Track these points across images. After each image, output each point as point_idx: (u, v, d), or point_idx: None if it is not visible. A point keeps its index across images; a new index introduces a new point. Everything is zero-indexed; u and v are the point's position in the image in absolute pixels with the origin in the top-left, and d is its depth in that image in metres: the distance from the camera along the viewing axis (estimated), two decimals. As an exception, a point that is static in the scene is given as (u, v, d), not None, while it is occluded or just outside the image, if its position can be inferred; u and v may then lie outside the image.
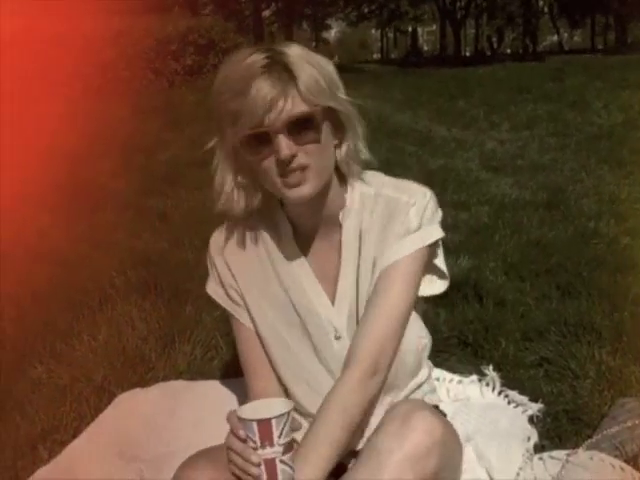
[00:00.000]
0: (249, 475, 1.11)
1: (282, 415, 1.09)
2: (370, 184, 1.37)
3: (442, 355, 2.19)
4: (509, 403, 1.85)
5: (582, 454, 1.56)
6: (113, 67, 10.44)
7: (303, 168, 1.21)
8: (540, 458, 1.61)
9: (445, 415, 1.43)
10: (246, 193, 1.30)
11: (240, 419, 1.11)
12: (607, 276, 2.76)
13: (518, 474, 1.53)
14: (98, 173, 5.09)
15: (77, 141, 5.70)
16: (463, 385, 1.93)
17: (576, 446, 1.64)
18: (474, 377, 1.96)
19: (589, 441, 1.64)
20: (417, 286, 1.35)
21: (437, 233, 1.35)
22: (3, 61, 8.23)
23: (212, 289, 1.44)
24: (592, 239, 3.28)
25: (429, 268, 1.39)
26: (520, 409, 1.82)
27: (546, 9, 35.61)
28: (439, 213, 1.37)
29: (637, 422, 1.62)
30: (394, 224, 1.33)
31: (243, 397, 1.42)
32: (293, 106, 1.18)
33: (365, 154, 1.33)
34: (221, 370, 2.23)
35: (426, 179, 2.41)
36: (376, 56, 55.87)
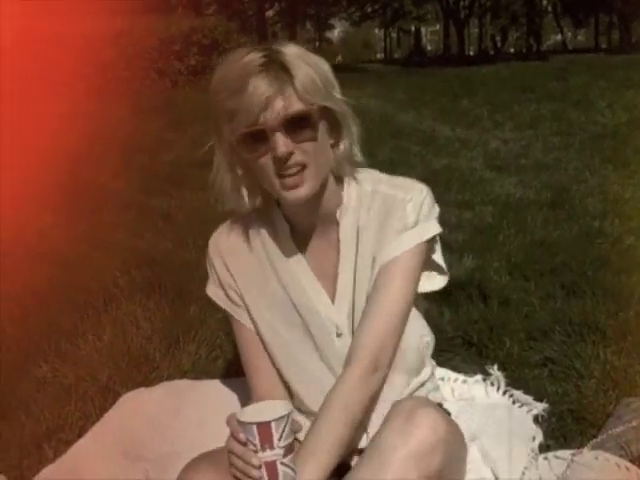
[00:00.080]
0: (250, 478, 1.11)
1: (282, 418, 1.09)
2: (366, 181, 1.37)
3: (446, 355, 2.19)
4: (514, 403, 1.85)
5: (587, 454, 1.56)
6: (114, 67, 10.47)
7: (301, 167, 1.22)
8: (545, 458, 1.61)
9: (449, 414, 1.43)
10: (246, 191, 1.31)
11: (240, 422, 1.11)
12: (612, 275, 2.75)
13: (523, 474, 1.53)
14: (99, 173, 5.09)
15: (78, 141, 5.70)
16: (468, 385, 1.93)
17: (581, 446, 1.64)
18: (479, 377, 1.96)
19: (594, 441, 1.63)
20: (417, 282, 1.36)
21: (434, 229, 1.36)
22: (4, 61, 8.25)
23: (212, 291, 1.44)
24: (596, 238, 3.27)
25: (428, 264, 1.40)
26: (525, 409, 1.82)
27: (550, 8, 35.55)
28: (436, 209, 1.37)
29: (642, 422, 1.62)
30: (391, 221, 1.34)
31: (247, 396, 1.42)
32: (290, 104, 1.19)
33: (358, 156, 1.34)
34: (225, 369, 2.23)
35: (430, 179, 2.40)
36: (379, 56, 55.91)
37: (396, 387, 1.36)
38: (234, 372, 2.07)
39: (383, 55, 52.62)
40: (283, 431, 1.09)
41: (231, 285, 1.40)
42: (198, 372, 2.22)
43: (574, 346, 2.20)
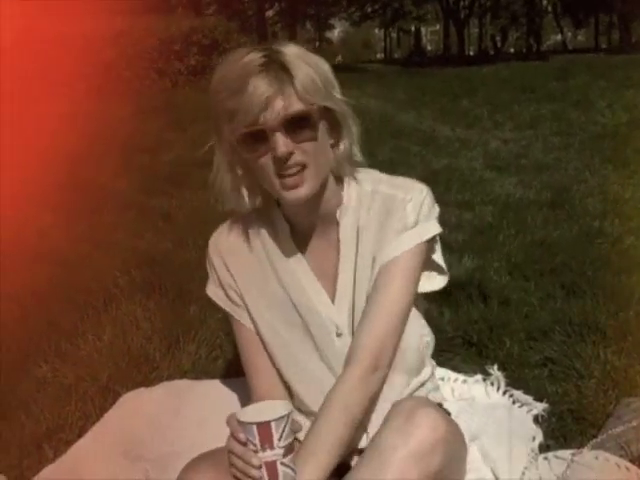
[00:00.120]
0: (250, 478, 1.11)
1: (282, 418, 1.09)
2: (366, 181, 1.37)
3: (446, 355, 2.19)
4: (514, 403, 1.85)
5: (587, 454, 1.56)
6: (114, 67, 10.47)
7: (301, 167, 1.22)
8: (545, 458, 1.61)
9: (449, 414, 1.43)
10: (246, 191, 1.31)
11: (240, 422, 1.11)
12: (612, 275, 2.75)
13: (523, 473, 1.53)
14: (99, 173, 5.10)
15: (78, 141, 5.70)
16: (468, 385, 1.93)
17: (581, 446, 1.64)
18: (479, 377, 1.96)
19: (594, 441, 1.63)
20: (417, 282, 1.36)
21: (434, 229, 1.36)
22: (4, 61, 8.26)
23: (212, 291, 1.45)
24: (596, 238, 3.27)
25: (428, 264, 1.40)
26: (525, 409, 1.82)
27: (550, 8, 35.54)
28: (436, 209, 1.38)
29: (642, 422, 1.62)
30: (391, 221, 1.34)
31: (247, 396, 1.42)
32: (290, 104, 1.19)
33: (358, 156, 1.34)
34: (225, 369, 2.23)
35: (430, 179, 2.41)
36: (379, 56, 55.88)
37: (396, 387, 1.36)
38: (234, 372, 2.07)
39: (383, 55, 52.60)
40: (283, 431, 1.09)
41: (231, 285, 1.40)
42: (198, 372, 2.22)
43: (574, 346, 2.20)
